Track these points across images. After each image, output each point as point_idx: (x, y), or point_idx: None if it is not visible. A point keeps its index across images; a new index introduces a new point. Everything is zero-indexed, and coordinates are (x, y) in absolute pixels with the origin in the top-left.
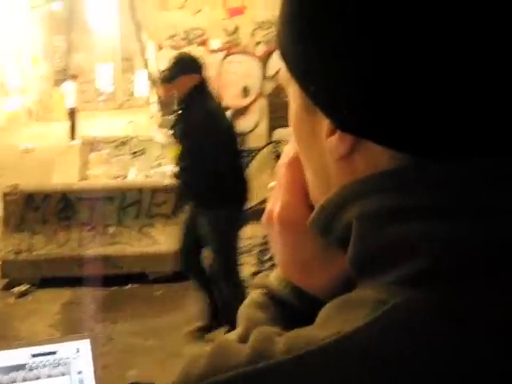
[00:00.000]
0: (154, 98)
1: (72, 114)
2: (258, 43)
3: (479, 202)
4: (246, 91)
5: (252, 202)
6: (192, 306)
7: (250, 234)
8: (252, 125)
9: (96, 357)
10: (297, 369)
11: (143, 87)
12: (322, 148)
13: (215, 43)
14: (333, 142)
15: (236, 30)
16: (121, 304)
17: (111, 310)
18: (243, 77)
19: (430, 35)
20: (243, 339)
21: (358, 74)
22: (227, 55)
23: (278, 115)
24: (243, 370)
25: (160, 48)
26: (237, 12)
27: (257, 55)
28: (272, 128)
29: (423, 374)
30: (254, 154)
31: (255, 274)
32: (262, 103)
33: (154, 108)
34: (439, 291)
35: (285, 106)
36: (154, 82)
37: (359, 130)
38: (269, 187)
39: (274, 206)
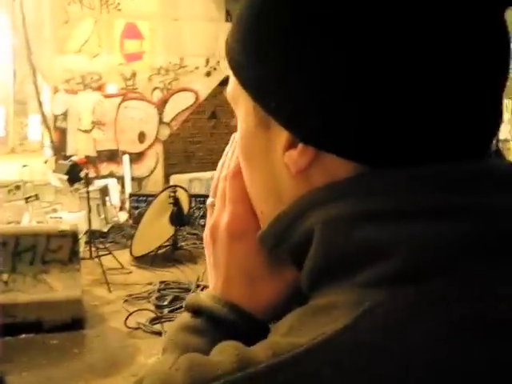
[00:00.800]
0: (48, 143)
1: None
2: (154, 89)
3: (438, 204)
4: (142, 137)
5: (149, 247)
6: (90, 354)
7: (146, 280)
8: (148, 170)
9: None
10: (288, 371)
11: (37, 131)
12: (275, 163)
13: (112, 88)
14: (292, 156)
15: (133, 75)
16: (15, 354)
17: (5, 361)
18: (140, 122)
19: (383, 58)
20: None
21: (322, 90)
22: (124, 100)
23: (173, 161)
24: (232, 377)
25: (55, 91)
26: (134, 57)
27: (153, 101)
28: (168, 173)
29: (414, 367)
30: (151, 199)
31: (154, 320)
32: (158, 149)
33: (48, 152)
34: (411, 291)
35: (180, 152)
36: (47, 127)
37: (322, 142)
38: (208, 203)
39: (219, 219)
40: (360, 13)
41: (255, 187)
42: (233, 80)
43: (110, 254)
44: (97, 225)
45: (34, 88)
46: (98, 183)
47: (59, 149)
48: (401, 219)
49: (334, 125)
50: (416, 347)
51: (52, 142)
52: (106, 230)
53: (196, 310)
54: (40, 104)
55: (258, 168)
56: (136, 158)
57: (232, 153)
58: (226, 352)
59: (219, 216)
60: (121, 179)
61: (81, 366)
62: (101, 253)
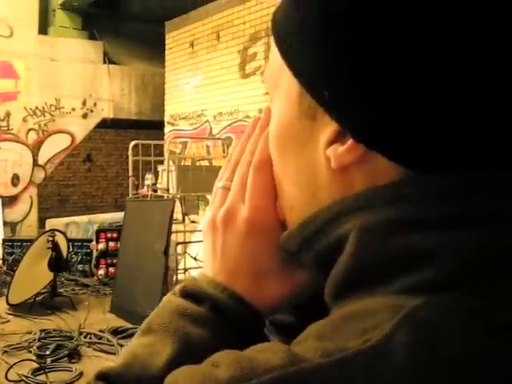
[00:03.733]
0: None
1: None
2: (29, 130)
3: (483, 212)
4: (16, 179)
5: (26, 294)
6: None
7: (25, 329)
8: (22, 214)
9: None
10: (342, 368)
11: None
12: (314, 156)
13: None
14: (338, 151)
15: (7, 115)
16: None
17: None
18: (13, 164)
19: (436, 58)
20: (179, 360)
21: (382, 87)
22: None
23: (47, 205)
24: (283, 372)
25: None
26: (9, 97)
27: (28, 143)
28: (42, 217)
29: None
30: (26, 245)
31: (37, 370)
32: (32, 192)
33: None
34: (449, 298)
35: (55, 195)
36: None
37: (374, 142)
38: (220, 186)
39: (237, 209)
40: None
41: (287, 180)
42: (275, 61)
43: None
44: None
45: None
46: None
47: None
48: (446, 226)
49: (391, 125)
50: (460, 350)
51: None
52: None
53: (195, 296)
54: None
55: (293, 160)
56: (9, 201)
57: (256, 138)
58: (271, 349)
59: (236, 204)
60: None
61: None
62: None
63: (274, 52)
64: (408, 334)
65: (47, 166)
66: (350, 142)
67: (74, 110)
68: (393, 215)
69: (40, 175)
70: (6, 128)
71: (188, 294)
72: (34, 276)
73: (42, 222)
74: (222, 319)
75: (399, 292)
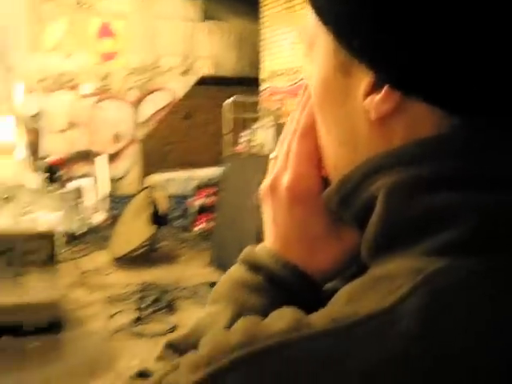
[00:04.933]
0: (22, 143)
1: None
2: (129, 89)
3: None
4: (117, 137)
5: (127, 248)
6: (69, 358)
7: (126, 281)
8: (124, 171)
9: None
10: (346, 336)
11: (10, 132)
12: (354, 110)
13: (87, 88)
14: (374, 101)
15: (108, 75)
16: None
17: None
18: (115, 122)
19: None
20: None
21: (412, 25)
22: (99, 100)
23: (148, 161)
24: (284, 338)
25: (29, 91)
26: (109, 57)
27: (129, 101)
28: (144, 174)
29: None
30: (128, 200)
31: (135, 321)
32: (134, 149)
33: (22, 153)
34: (475, 260)
35: (156, 152)
36: (22, 127)
37: (408, 85)
38: (271, 157)
39: (280, 177)
40: None
41: (330, 139)
42: (311, 20)
43: (87, 255)
44: (74, 226)
45: (8, 88)
46: (74, 184)
47: (33, 150)
48: (472, 186)
49: (424, 65)
50: (474, 315)
51: (26, 142)
52: (82, 231)
53: (254, 267)
54: (14, 104)
55: (333, 117)
56: (111, 158)
57: (303, 106)
58: (284, 315)
59: (280, 173)
60: (96, 180)
61: (59, 369)
62: (79, 254)
63: (309, 9)
64: (422, 298)
65: (147, 123)
66: (385, 89)
67: (173, 67)
68: (418, 173)
69: (141, 132)
70: (107, 87)
71: (247, 263)
72: (134, 230)
73: (143, 178)
74: (277, 289)
75: (424, 254)
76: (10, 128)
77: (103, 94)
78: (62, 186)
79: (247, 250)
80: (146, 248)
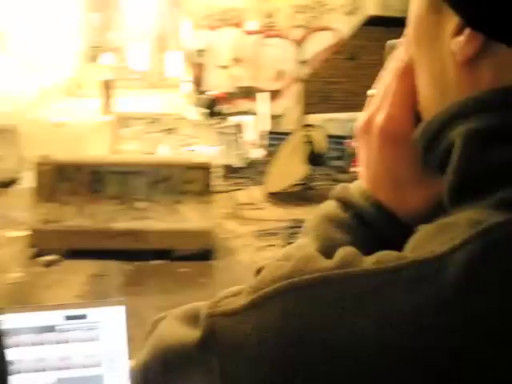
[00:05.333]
0: (187, 77)
1: (107, 87)
2: (294, 27)
3: None
4: (280, 75)
5: (282, 185)
6: (216, 284)
7: (278, 217)
8: (284, 109)
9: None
10: (387, 278)
11: (176, 66)
12: (444, 51)
13: (252, 25)
14: (459, 42)
15: (273, 12)
16: (146, 279)
17: (137, 284)
18: (278, 60)
19: None
20: None
21: None
22: (263, 37)
23: (310, 101)
24: (331, 273)
25: (196, 27)
26: None
27: (293, 39)
28: (304, 113)
29: None
30: (286, 138)
31: None
32: (296, 88)
33: (187, 87)
34: None
35: (318, 92)
36: (187, 62)
37: (489, 28)
38: (368, 94)
39: (375, 116)
40: None
41: (422, 79)
42: None
43: (243, 189)
44: (232, 160)
45: (175, 24)
46: (235, 119)
47: (198, 84)
48: None
49: (503, 9)
50: None
51: (191, 77)
52: (240, 165)
53: (344, 203)
54: (180, 40)
55: (426, 57)
56: (273, 95)
57: (407, 46)
58: (339, 253)
59: (375, 112)
60: (257, 116)
61: (206, 294)
62: (234, 187)
63: None
64: (473, 251)
65: (311, 62)
66: (467, 31)
67: (339, 6)
68: (494, 122)
69: (303, 71)
70: (271, 24)
71: (338, 200)
72: (290, 168)
73: (302, 116)
74: (363, 227)
75: (492, 206)
76: (177, 63)
77: (268, 31)
78: (223, 120)
79: (340, 187)
80: (300, 186)
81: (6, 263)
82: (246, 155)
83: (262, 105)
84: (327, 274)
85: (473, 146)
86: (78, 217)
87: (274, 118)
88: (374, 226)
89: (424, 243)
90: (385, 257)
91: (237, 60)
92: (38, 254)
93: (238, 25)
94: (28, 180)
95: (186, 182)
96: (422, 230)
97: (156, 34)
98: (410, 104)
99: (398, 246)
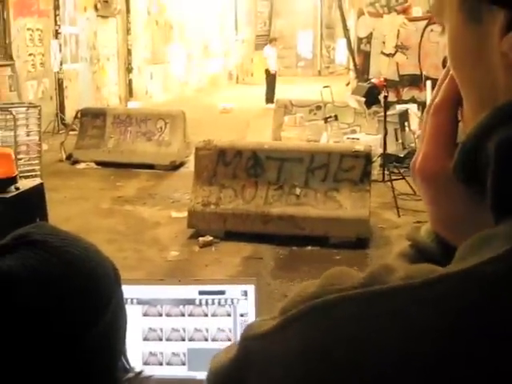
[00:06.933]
0: (352, 65)
1: (271, 77)
2: None
3: None
4: (446, 62)
5: None
6: None
7: None
8: None
9: (259, 302)
10: (411, 295)
11: (342, 55)
12: (492, 61)
13: (417, 11)
14: (509, 41)
15: None
16: (299, 264)
17: (289, 269)
18: (444, 47)
19: None
20: None
21: None
22: (429, 24)
23: None
24: (354, 292)
25: (360, 15)
26: None
27: None
28: None
29: None
30: None
31: None
32: None
33: (351, 75)
34: None
35: None
36: (351, 50)
37: None
38: (416, 136)
39: (417, 158)
40: None
41: (470, 105)
42: None
43: (403, 178)
44: (393, 149)
45: (340, 12)
46: (398, 108)
47: (362, 72)
48: None
49: None
50: None
51: (355, 65)
52: (401, 155)
53: (412, 241)
54: (345, 28)
55: (471, 76)
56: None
57: (441, 81)
58: (369, 269)
59: (418, 153)
60: (422, 105)
61: None
62: (394, 177)
63: None
64: (504, 267)
65: None
66: None
67: None
68: None
69: None
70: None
71: (409, 239)
72: None
73: None
74: (424, 258)
75: None
76: (342, 51)
77: (433, 18)
78: (385, 108)
79: (412, 229)
80: None
81: (168, 241)
82: (408, 145)
83: (428, 93)
84: (350, 294)
85: (508, 156)
86: (236, 200)
87: None
88: (434, 259)
89: (464, 255)
90: (416, 271)
91: (401, 47)
92: (197, 235)
93: (402, 11)
94: (193, 163)
95: (344, 169)
96: (466, 243)
97: (322, 22)
98: (446, 140)
99: None
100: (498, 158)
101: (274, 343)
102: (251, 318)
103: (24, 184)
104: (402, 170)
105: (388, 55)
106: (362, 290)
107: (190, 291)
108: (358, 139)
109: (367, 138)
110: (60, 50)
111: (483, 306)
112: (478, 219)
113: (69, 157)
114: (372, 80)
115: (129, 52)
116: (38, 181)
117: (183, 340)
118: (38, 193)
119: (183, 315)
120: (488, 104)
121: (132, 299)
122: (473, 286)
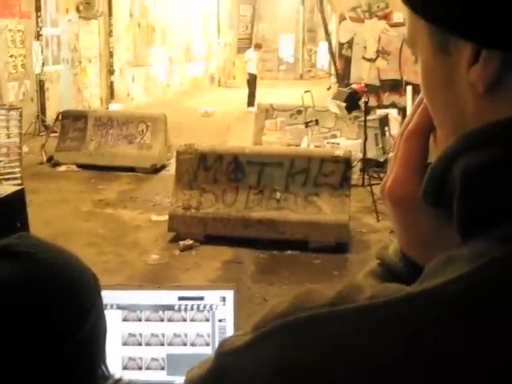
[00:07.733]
0: (333, 70)
1: (251, 81)
2: None
3: None
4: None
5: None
6: (349, 278)
7: None
8: None
9: (237, 307)
10: (375, 316)
11: (324, 59)
12: (461, 91)
13: (398, 17)
14: (477, 69)
15: None
16: (279, 268)
17: (269, 273)
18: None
19: None
20: None
21: None
22: None
23: None
24: (323, 311)
25: (341, 20)
26: None
27: None
28: None
29: None
30: None
31: None
32: None
33: (332, 79)
34: None
35: None
36: (333, 54)
37: (505, 43)
38: (388, 158)
39: (387, 181)
40: None
41: (442, 132)
42: (408, 22)
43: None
44: (373, 154)
45: (322, 17)
46: (379, 112)
47: (343, 76)
48: None
49: None
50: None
51: (336, 69)
52: (382, 159)
53: (379, 259)
54: (327, 32)
55: (442, 103)
56: (419, 89)
57: (415, 108)
58: (338, 287)
59: (388, 176)
60: (402, 110)
61: None
62: (373, 181)
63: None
64: (465, 288)
65: None
66: (484, 53)
67: None
68: (488, 158)
69: None
70: None
71: (377, 257)
72: None
73: None
74: (391, 276)
75: (499, 239)
76: (324, 55)
77: None
78: (365, 113)
79: (380, 248)
80: None
81: (148, 245)
82: (388, 150)
83: (408, 99)
84: (319, 312)
85: (472, 182)
86: (217, 204)
87: None
88: (402, 278)
89: (428, 275)
90: (382, 291)
91: (382, 52)
92: (177, 238)
93: (383, 17)
94: (174, 167)
95: (324, 174)
96: (431, 263)
97: (304, 26)
98: (415, 165)
99: None
100: (463, 183)
101: (247, 359)
102: (229, 323)
103: (4, 189)
104: (381, 175)
105: (369, 60)
106: (330, 308)
107: (170, 297)
108: (338, 144)
109: (347, 143)
110: (41, 52)
111: (442, 325)
112: (445, 241)
113: (49, 159)
114: (352, 85)
115: (111, 54)
116: (18, 186)
117: (162, 345)
118: (18, 198)
119: (162, 320)
120: (460, 131)
121: (112, 304)
122: (433, 306)
